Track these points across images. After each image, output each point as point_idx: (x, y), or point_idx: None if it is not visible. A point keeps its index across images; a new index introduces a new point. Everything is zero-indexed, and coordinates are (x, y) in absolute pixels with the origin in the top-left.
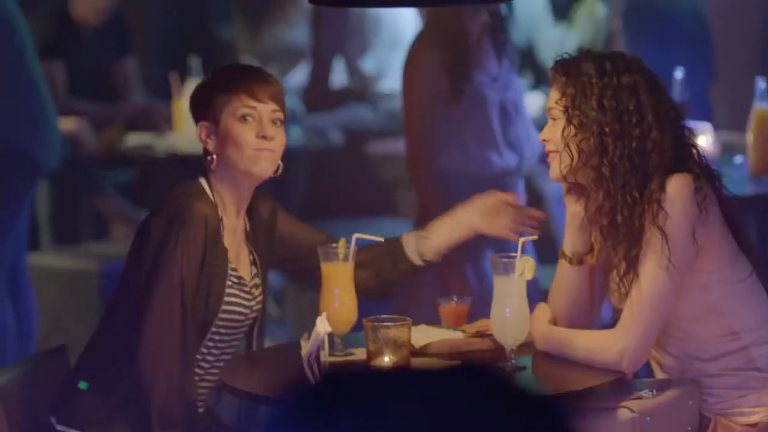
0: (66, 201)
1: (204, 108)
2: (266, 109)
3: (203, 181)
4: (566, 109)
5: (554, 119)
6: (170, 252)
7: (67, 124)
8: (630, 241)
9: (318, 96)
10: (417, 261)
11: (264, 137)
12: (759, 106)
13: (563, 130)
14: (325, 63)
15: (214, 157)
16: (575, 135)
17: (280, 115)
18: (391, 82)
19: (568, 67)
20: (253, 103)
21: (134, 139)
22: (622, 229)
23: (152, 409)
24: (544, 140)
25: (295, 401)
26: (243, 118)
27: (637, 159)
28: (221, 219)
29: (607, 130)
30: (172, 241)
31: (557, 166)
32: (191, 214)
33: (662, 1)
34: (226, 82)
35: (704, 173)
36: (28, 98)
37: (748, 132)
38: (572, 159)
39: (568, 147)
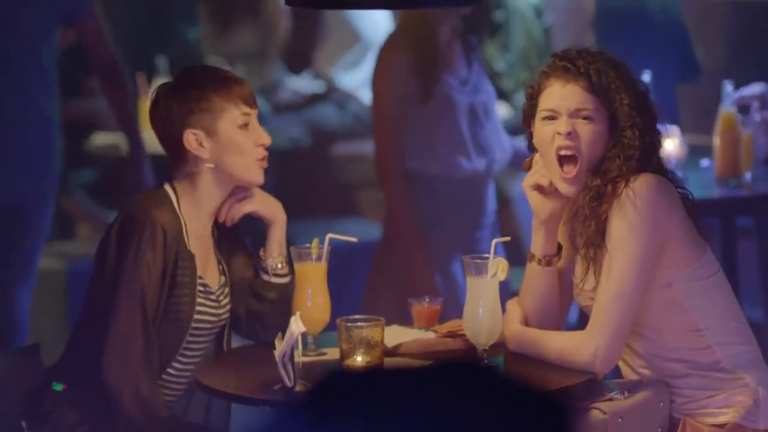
0: None
1: (193, 115)
2: (255, 114)
3: (168, 188)
4: (596, 109)
5: (585, 119)
6: (130, 263)
7: None
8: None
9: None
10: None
11: (263, 145)
12: (726, 110)
13: (594, 132)
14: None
15: (209, 166)
16: (604, 133)
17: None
18: (358, 83)
19: (587, 68)
20: (248, 110)
21: (101, 139)
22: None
23: (118, 418)
24: (567, 132)
25: (290, 407)
26: (245, 126)
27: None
28: (185, 226)
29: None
30: (132, 252)
31: (581, 174)
32: (150, 224)
33: (631, 2)
34: (216, 87)
35: (667, 174)
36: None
37: (715, 135)
38: (591, 158)
39: (593, 146)
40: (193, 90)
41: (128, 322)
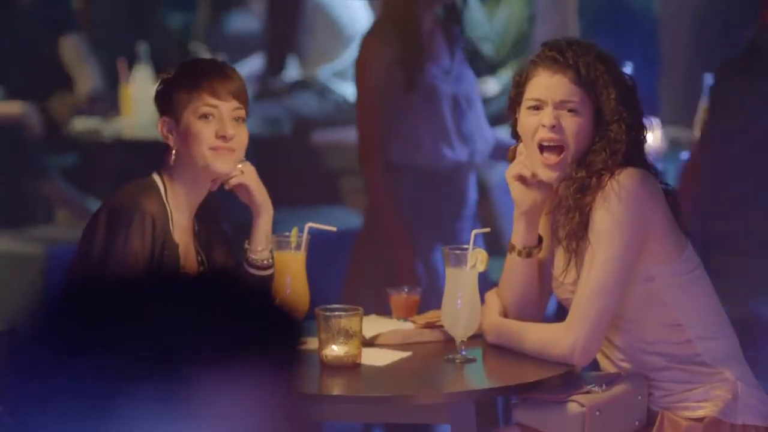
0: (11, 184)
1: (166, 103)
2: (227, 107)
3: (157, 177)
4: (582, 102)
5: (570, 111)
6: (118, 252)
7: (12, 107)
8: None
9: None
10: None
11: (223, 137)
12: (706, 103)
13: (579, 125)
14: (279, 56)
15: (174, 152)
16: (589, 126)
17: (242, 112)
18: (339, 72)
19: (576, 59)
20: (215, 102)
21: (81, 124)
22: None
23: None
24: (551, 125)
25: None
26: (204, 117)
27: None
28: (171, 217)
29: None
30: (120, 240)
31: (566, 157)
32: (140, 213)
33: None
34: (188, 79)
35: (650, 169)
36: None
37: (695, 128)
38: (576, 150)
39: (578, 138)
40: (172, 79)
41: None
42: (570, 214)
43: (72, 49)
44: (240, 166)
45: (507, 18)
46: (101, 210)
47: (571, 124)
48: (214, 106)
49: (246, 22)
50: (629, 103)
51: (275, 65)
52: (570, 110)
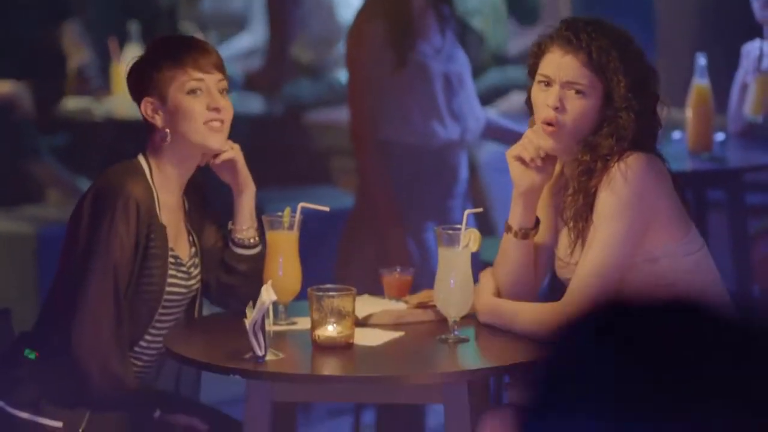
0: (2, 164)
1: (147, 83)
2: (212, 79)
3: (142, 159)
4: (591, 85)
5: (578, 93)
6: (102, 237)
7: (3, 87)
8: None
9: (268, 79)
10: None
11: (216, 109)
12: (698, 83)
13: (583, 107)
14: (281, 50)
15: (167, 132)
16: (595, 109)
17: (225, 84)
18: (333, 52)
19: (588, 40)
20: (200, 75)
21: (72, 103)
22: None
23: (88, 391)
24: (555, 106)
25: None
26: (192, 92)
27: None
28: (157, 198)
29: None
30: (105, 225)
31: (562, 134)
32: (123, 198)
33: None
34: (168, 56)
35: (653, 148)
36: None
37: (687, 108)
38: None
39: (581, 120)
40: (151, 58)
41: (99, 296)
42: (575, 196)
43: (70, 35)
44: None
45: None
46: (86, 195)
47: (575, 105)
48: (201, 80)
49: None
50: (642, 91)
51: (277, 52)
52: (577, 92)
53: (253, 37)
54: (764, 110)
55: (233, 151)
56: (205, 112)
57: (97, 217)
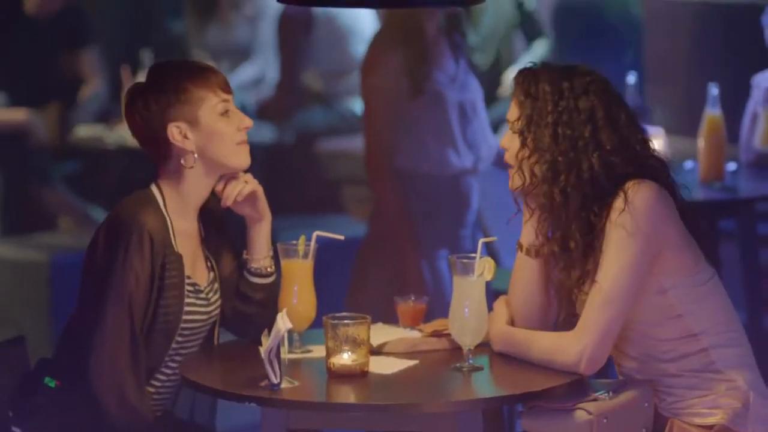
0: (15, 191)
1: (171, 108)
2: (232, 99)
3: (154, 189)
4: (521, 131)
5: (513, 132)
6: (117, 271)
7: (17, 114)
8: (583, 263)
9: (279, 108)
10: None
11: (245, 128)
12: (710, 113)
13: (518, 152)
14: (292, 79)
15: (195, 156)
16: (529, 158)
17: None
18: (345, 82)
19: (527, 84)
20: (226, 96)
21: (84, 131)
22: (575, 254)
23: (105, 422)
24: (503, 147)
25: None
26: (225, 114)
27: (595, 184)
28: (171, 227)
29: (560, 158)
30: (119, 259)
31: (512, 182)
32: (137, 230)
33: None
34: (191, 78)
35: (664, 180)
36: None
37: (700, 138)
38: (524, 180)
39: (521, 168)
40: (169, 83)
41: (115, 329)
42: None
43: (88, 62)
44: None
45: (492, 26)
46: (101, 227)
47: (513, 143)
48: (228, 101)
49: (244, 28)
50: (617, 131)
51: (288, 81)
52: (513, 131)
53: (258, 67)
54: None
55: (253, 183)
56: (237, 132)
57: (111, 250)
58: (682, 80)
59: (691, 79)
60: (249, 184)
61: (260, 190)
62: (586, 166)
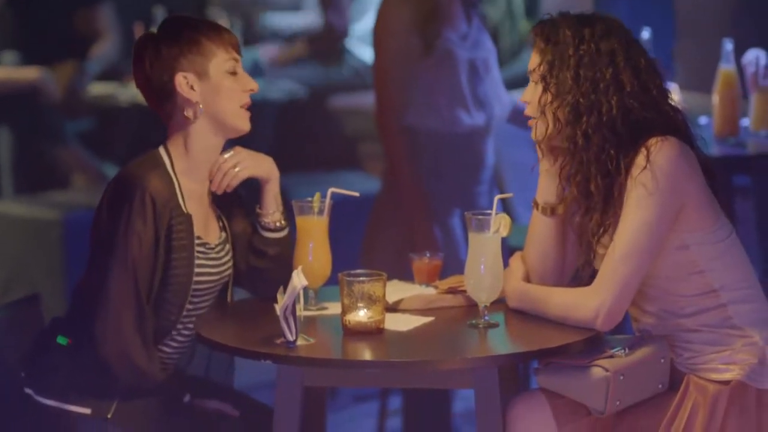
0: (28, 150)
1: (182, 58)
2: (241, 61)
3: (162, 151)
4: (543, 77)
5: (535, 82)
6: (120, 235)
7: (30, 73)
8: (603, 209)
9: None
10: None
11: (251, 90)
12: (725, 68)
13: (540, 97)
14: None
15: (200, 107)
16: (551, 102)
17: None
18: (357, 37)
19: (547, 31)
20: (237, 56)
21: (97, 89)
22: (596, 198)
23: (114, 383)
24: (525, 101)
25: None
26: (233, 73)
27: (614, 128)
28: (179, 188)
29: (581, 100)
30: (122, 223)
31: (535, 131)
32: (139, 194)
33: None
34: (205, 32)
35: (684, 135)
36: None
37: (714, 93)
38: (548, 126)
39: (545, 114)
40: (183, 33)
41: (119, 293)
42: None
43: (103, 18)
44: (227, 156)
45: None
46: (105, 191)
47: (535, 93)
48: (237, 60)
49: None
50: (637, 75)
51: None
52: (534, 81)
53: (303, 18)
54: (765, 126)
55: (244, 169)
56: (242, 93)
57: (114, 214)
58: (701, 35)
59: (707, 35)
60: (243, 171)
61: (253, 172)
62: (605, 108)
